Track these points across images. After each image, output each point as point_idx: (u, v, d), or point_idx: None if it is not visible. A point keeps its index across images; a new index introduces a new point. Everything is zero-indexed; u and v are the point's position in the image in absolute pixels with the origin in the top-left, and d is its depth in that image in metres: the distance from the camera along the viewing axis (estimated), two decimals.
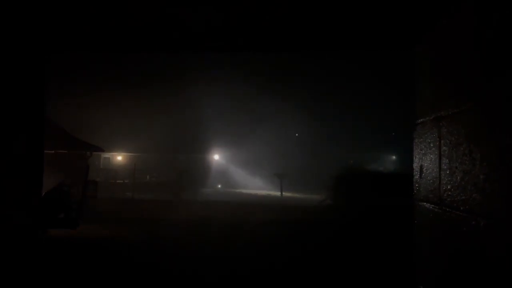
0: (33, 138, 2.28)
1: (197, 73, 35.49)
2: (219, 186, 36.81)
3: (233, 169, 38.91)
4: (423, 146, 1.88)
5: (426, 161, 1.84)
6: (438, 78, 1.79)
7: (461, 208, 1.52)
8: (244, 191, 33.57)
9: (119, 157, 35.54)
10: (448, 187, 1.61)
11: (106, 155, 33.03)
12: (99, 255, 8.51)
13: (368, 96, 38.73)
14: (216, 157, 39.54)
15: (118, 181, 29.46)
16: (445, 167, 1.64)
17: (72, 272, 6.96)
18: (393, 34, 1.95)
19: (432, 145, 1.78)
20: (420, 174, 1.89)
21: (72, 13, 1.78)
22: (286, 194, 29.88)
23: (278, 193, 30.17)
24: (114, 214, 14.85)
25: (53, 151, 16.87)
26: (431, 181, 1.77)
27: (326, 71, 37.13)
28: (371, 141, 36.41)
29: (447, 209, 1.62)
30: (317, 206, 18.46)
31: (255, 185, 36.25)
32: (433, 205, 1.75)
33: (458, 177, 1.54)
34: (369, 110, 38.20)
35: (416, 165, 1.94)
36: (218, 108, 35.81)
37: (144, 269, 7.23)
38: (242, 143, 37.16)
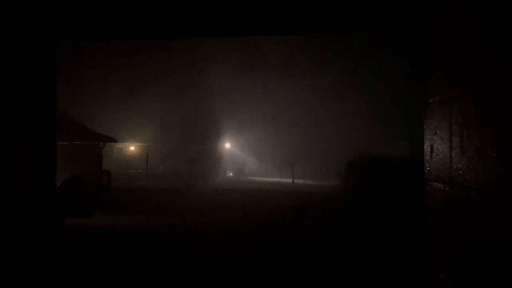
0: (46, 128, 2.31)
1: (208, 63, 35.42)
2: (231, 174, 37.07)
3: (244, 157, 39.06)
4: (433, 126, 1.86)
5: (436, 141, 1.82)
6: (450, 57, 1.77)
7: (473, 187, 1.50)
8: (256, 178, 33.77)
9: (132, 148, 35.90)
10: (459, 166, 1.60)
11: (119, 145, 33.36)
12: (114, 243, 8.68)
13: (379, 80, 38.22)
14: (227, 145, 39.69)
15: (131, 171, 29.84)
16: (456, 146, 1.63)
17: (88, 259, 7.12)
18: (407, 16, 1.93)
19: (443, 124, 1.76)
20: (431, 154, 1.87)
21: (80, 2, 1.79)
22: (298, 181, 29.96)
23: (289, 180, 30.25)
24: (128, 203, 15.10)
25: (67, 143, 17.12)
26: (441, 160, 1.76)
27: (336, 57, 36.66)
28: (383, 127, 36.06)
29: (458, 188, 1.61)
30: (329, 193, 18.48)
31: (266, 172, 36.39)
32: (444, 185, 1.74)
33: (469, 156, 1.52)
34: (381, 96, 37.75)
35: (426, 145, 1.93)
36: (229, 97, 35.78)
37: (158, 256, 7.37)
38: (254, 131, 37.19)
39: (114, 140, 21.95)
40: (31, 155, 2.16)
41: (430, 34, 1.99)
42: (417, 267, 4.83)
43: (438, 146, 1.80)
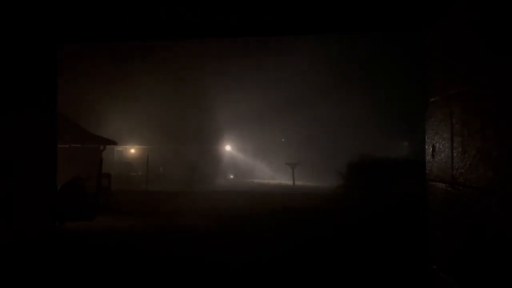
0: (46, 129, 2.31)
1: (207, 64, 35.47)
2: (232, 176, 37.03)
3: (245, 159, 39.05)
4: (434, 126, 1.85)
5: (438, 141, 1.82)
6: (450, 57, 1.77)
7: (474, 186, 1.50)
8: (256, 180, 33.72)
9: (132, 150, 35.91)
10: (461, 165, 1.60)
11: (119, 148, 33.38)
12: (114, 246, 8.66)
13: (379, 81, 38.21)
14: (228, 147, 39.69)
15: (132, 174, 29.83)
16: (457, 145, 1.62)
17: (88, 262, 7.10)
18: (407, 16, 1.93)
19: (444, 124, 1.76)
20: (432, 154, 1.87)
21: (80, 3, 1.79)
22: (298, 183, 29.91)
23: (290, 182, 30.21)
24: (128, 206, 15.06)
25: (67, 146, 17.13)
26: (443, 160, 1.75)
27: (335, 58, 36.68)
28: (383, 129, 36.05)
29: (460, 188, 1.60)
30: (330, 194, 18.47)
31: (267, 174, 36.40)
32: (445, 184, 1.73)
33: (471, 155, 1.52)
34: (381, 96, 37.76)
35: (428, 145, 1.92)
36: (229, 99, 35.81)
37: (159, 260, 7.35)
38: (253, 133, 37.21)
39: (114, 142, 21.97)
40: (31, 156, 2.16)
41: (430, 34, 1.99)
42: (418, 267, 4.82)
43: (439, 146, 1.80)
